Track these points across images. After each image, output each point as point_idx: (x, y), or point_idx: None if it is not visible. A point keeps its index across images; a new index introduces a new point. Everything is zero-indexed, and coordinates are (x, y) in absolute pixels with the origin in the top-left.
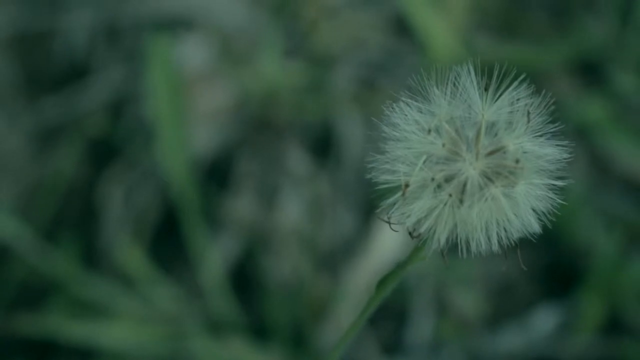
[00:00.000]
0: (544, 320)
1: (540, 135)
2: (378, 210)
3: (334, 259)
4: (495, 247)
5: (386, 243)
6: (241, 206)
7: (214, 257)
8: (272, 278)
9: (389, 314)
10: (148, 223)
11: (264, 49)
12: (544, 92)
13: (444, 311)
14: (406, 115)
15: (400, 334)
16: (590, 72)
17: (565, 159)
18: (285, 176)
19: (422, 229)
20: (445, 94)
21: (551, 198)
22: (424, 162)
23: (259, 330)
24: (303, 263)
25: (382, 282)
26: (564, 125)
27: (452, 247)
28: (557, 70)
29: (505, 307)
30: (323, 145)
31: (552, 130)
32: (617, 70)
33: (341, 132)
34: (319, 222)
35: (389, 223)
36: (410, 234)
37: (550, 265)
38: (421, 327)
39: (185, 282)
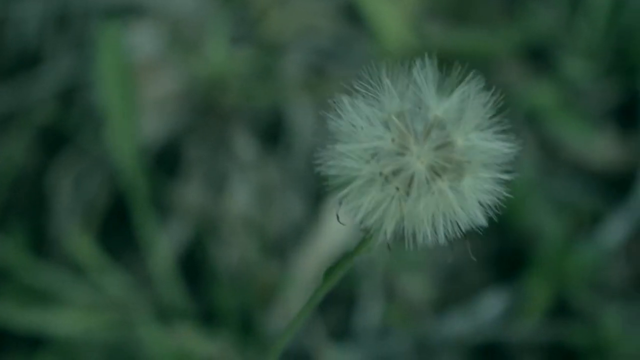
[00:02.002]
0: (491, 305)
1: (489, 130)
2: (327, 204)
3: (283, 246)
4: (441, 239)
5: (335, 229)
6: (190, 193)
7: (163, 245)
8: (221, 265)
9: (338, 300)
10: (97, 211)
11: (212, 36)
12: (493, 79)
13: (392, 297)
14: (355, 109)
15: (348, 320)
16: (540, 58)
17: (512, 153)
18: (234, 163)
19: (370, 223)
20: (396, 87)
21: (498, 191)
22: (372, 156)
23: (208, 317)
24: (252, 250)
25: (329, 272)
26: (513, 111)
27: (400, 239)
28: (507, 56)
29: (453, 292)
30: (273, 132)
31: (500, 124)
32: (566, 56)
33: (291, 118)
34: (267, 209)
35: (338, 217)
36: (358, 227)
37: (498, 250)
38: (369, 313)
39: (135, 269)
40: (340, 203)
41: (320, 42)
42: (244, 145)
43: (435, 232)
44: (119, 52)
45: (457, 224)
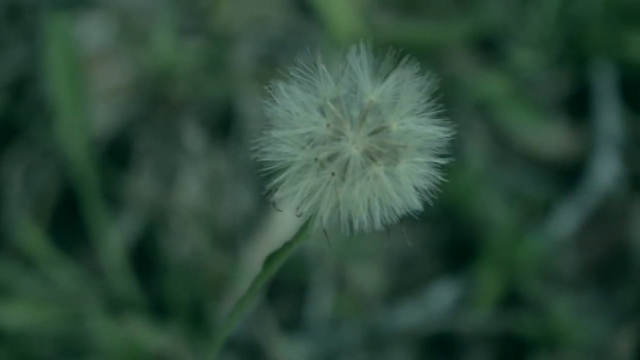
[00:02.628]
0: (442, 295)
1: (424, 114)
2: (265, 192)
3: (234, 237)
4: (377, 224)
5: (285, 220)
6: (141, 185)
7: (114, 237)
8: (172, 257)
9: (288, 291)
10: (48, 203)
11: (161, 27)
12: (444, 69)
13: (343, 287)
14: (291, 95)
15: (299, 311)
16: (491, 48)
17: (447, 137)
18: (184, 154)
19: (306, 209)
20: (332, 73)
21: (433, 175)
22: (308, 142)
23: (159, 309)
24: (202, 241)
25: (269, 260)
26: (464, 101)
27: (337, 224)
28: (458, 46)
29: (404, 282)
30: (224, 124)
31: (435, 108)
32: (517, 46)
33: (241, 110)
34: (218, 200)
35: (274, 204)
36: (295, 213)
37: (449, 240)
38: (320, 304)
39: (86, 262)
40: (277, 189)
41: (271, 33)
42: (194, 137)
43: (372, 218)
44: (68, 44)
45: (393, 208)
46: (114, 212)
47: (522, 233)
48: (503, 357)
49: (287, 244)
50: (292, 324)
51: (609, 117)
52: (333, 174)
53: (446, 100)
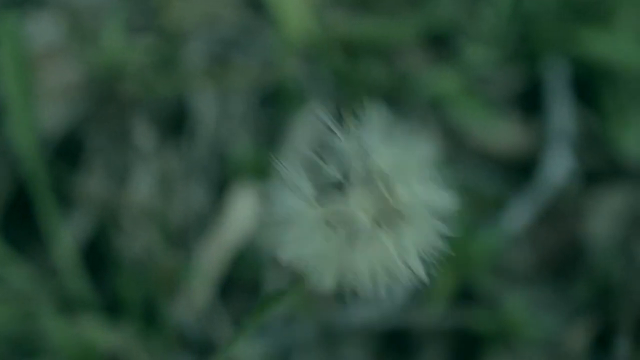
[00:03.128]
0: (396, 292)
1: (431, 181)
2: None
3: (187, 236)
4: (381, 293)
5: (239, 219)
6: (92, 184)
7: (66, 236)
8: (124, 255)
9: (242, 288)
10: None
11: (110, 24)
12: (396, 66)
13: (297, 284)
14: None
15: (252, 309)
16: (443, 44)
17: (453, 206)
18: (135, 153)
19: (309, 270)
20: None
21: (438, 245)
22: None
23: (112, 308)
24: (155, 240)
25: (262, 306)
26: (417, 98)
27: (338, 288)
28: (410, 43)
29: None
30: (176, 122)
31: (443, 175)
32: (469, 43)
33: (194, 108)
34: (170, 199)
35: (277, 260)
36: (296, 270)
37: None
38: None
39: (37, 261)
40: (281, 247)
41: (223, 31)
42: (145, 135)
43: (375, 285)
44: (17, 43)
45: (398, 278)
46: (66, 210)
47: (475, 229)
48: (458, 353)
49: (282, 294)
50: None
51: (562, 113)
52: (339, 238)
53: (399, 98)
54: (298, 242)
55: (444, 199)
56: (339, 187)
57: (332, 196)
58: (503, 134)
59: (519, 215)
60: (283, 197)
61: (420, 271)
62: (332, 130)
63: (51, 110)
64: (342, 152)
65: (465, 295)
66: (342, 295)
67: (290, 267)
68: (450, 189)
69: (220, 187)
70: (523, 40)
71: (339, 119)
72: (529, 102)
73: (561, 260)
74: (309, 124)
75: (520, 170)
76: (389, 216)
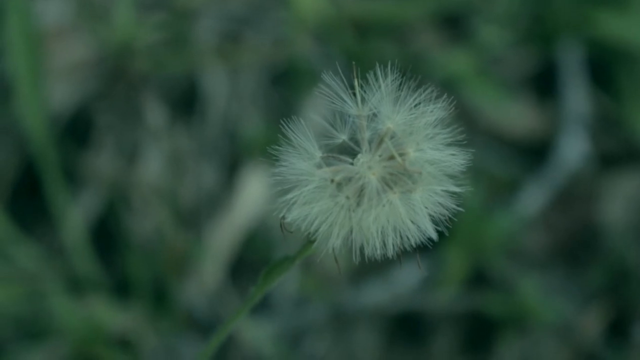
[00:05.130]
0: (409, 274)
1: (441, 141)
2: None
3: (197, 215)
4: (391, 252)
5: (250, 199)
6: (101, 162)
7: (75, 215)
8: (133, 235)
9: (253, 269)
10: (7, 181)
11: (121, 1)
12: (409, 47)
13: (309, 266)
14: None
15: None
16: (456, 25)
17: (463, 164)
18: (146, 131)
19: (318, 232)
20: (355, 97)
21: (449, 204)
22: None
23: (121, 289)
24: (165, 220)
25: (268, 273)
26: (429, 78)
27: (347, 249)
28: (423, 24)
29: (370, 261)
30: (186, 100)
31: (453, 134)
32: (483, 23)
33: (205, 86)
34: (181, 178)
35: (282, 225)
36: (304, 233)
37: None
38: (286, 283)
39: (46, 240)
40: (288, 209)
41: (234, 8)
42: (155, 113)
43: (385, 245)
44: (27, 20)
45: (407, 237)
46: (75, 189)
47: (489, 212)
48: (470, 336)
49: (287, 259)
50: (258, 304)
51: (576, 95)
52: (348, 198)
53: (412, 78)
54: (304, 202)
55: (455, 160)
56: (349, 150)
57: (341, 159)
58: (517, 115)
59: (533, 198)
60: (291, 160)
61: (431, 231)
62: (342, 97)
63: (61, 88)
64: (353, 117)
65: (478, 278)
66: (354, 278)
67: (296, 231)
68: (461, 149)
69: (231, 166)
70: (537, 22)
71: (350, 87)
72: (543, 84)
73: (575, 244)
74: (320, 98)
75: (535, 152)
76: (398, 177)
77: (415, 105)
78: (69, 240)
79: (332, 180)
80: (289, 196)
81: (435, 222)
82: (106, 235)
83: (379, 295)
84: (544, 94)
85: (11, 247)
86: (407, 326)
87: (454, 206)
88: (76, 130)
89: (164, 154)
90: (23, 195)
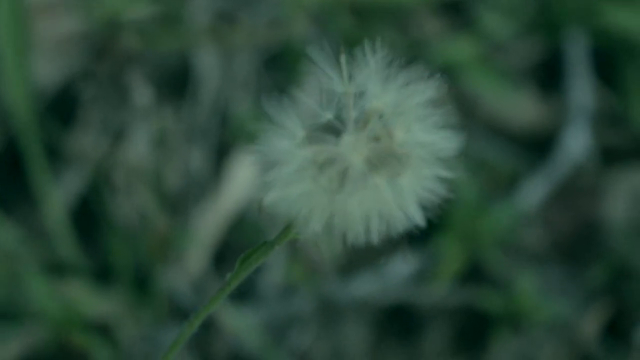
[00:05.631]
0: (401, 266)
1: (431, 122)
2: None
3: (183, 200)
4: (375, 239)
5: (239, 184)
6: (86, 142)
7: (57, 196)
8: (117, 218)
9: (238, 256)
10: None
11: None
12: (409, 33)
13: (296, 254)
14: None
15: (250, 280)
16: (458, 11)
17: (454, 147)
18: (133, 111)
19: (296, 214)
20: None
21: (438, 189)
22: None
23: (102, 273)
24: (149, 203)
25: (244, 259)
26: (429, 66)
27: (328, 235)
28: (424, 10)
29: (361, 252)
30: (177, 80)
31: (444, 115)
32: (486, 9)
33: (196, 66)
34: (167, 160)
35: (260, 208)
36: (282, 216)
37: None
38: (271, 272)
39: (26, 221)
40: (266, 190)
41: None
42: (143, 93)
43: (369, 231)
44: None
45: (394, 223)
46: (58, 169)
47: (487, 204)
48: (463, 333)
49: (266, 244)
50: (242, 293)
51: (581, 87)
52: (330, 180)
53: (411, 65)
54: (284, 183)
55: (446, 142)
56: (334, 130)
57: (325, 139)
58: (519, 106)
59: (533, 192)
60: (272, 138)
61: (419, 218)
62: (328, 73)
63: (46, 63)
64: (339, 94)
65: (473, 273)
66: (344, 267)
67: (276, 214)
68: (453, 131)
69: (220, 150)
70: (542, 10)
71: (337, 63)
72: (547, 75)
73: (576, 241)
74: (309, 77)
75: (536, 145)
76: (385, 159)
77: (407, 84)
78: (49, 222)
79: (315, 161)
80: (267, 177)
81: (425, 209)
82: (88, 216)
83: (369, 286)
84: (548, 85)
85: None
86: (398, 320)
87: (446, 193)
88: (61, 107)
89: (150, 135)
90: (3, 174)
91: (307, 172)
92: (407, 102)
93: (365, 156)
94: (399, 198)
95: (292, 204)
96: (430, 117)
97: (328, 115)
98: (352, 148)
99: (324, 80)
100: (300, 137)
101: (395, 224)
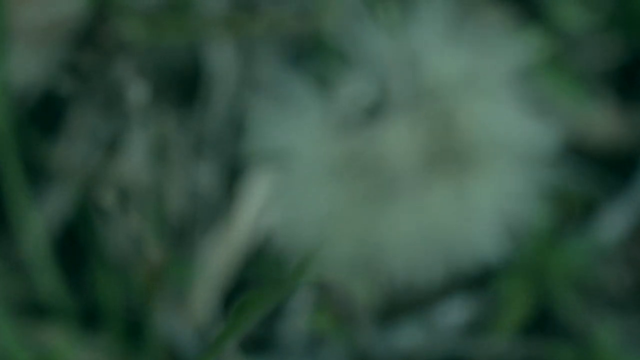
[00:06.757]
0: (453, 312)
1: (510, 103)
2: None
3: (189, 226)
4: (427, 278)
5: (256, 207)
6: (72, 154)
7: (37, 221)
8: (108, 248)
9: None
10: None
11: None
12: (470, 24)
13: (324, 298)
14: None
15: (269, 326)
16: (526, 2)
17: (546, 137)
18: (128, 117)
19: (314, 234)
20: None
21: (524, 200)
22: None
23: (89, 316)
24: (147, 230)
25: (241, 307)
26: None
27: (358, 268)
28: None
29: (405, 295)
30: (184, 81)
31: (527, 92)
32: (558, 1)
33: (208, 64)
34: (170, 177)
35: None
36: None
37: None
38: (297, 319)
39: (1, 252)
40: (271, 197)
41: None
42: (143, 95)
43: (419, 267)
44: None
45: (452, 254)
46: (39, 188)
47: (558, 238)
48: None
49: (274, 284)
50: (260, 343)
51: None
52: (367, 187)
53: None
54: (296, 197)
55: (538, 135)
56: (373, 113)
57: (359, 127)
58: (596, 118)
59: (613, 224)
60: (283, 128)
61: (491, 248)
62: (368, 29)
63: (27, 59)
64: (382, 59)
65: (541, 322)
66: (382, 313)
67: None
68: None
69: (234, 166)
70: (624, 3)
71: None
72: (628, 81)
73: None
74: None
75: (616, 166)
76: (447, 158)
77: (482, 49)
78: (27, 253)
79: (346, 161)
80: (278, 187)
81: (499, 237)
82: (74, 247)
83: (414, 337)
84: (629, 93)
85: None
86: None
87: (531, 216)
88: (42, 112)
89: (150, 146)
90: None
91: (332, 180)
92: (481, 75)
93: (420, 153)
94: (468, 215)
95: (312, 225)
96: (513, 97)
97: (371, 96)
98: (402, 140)
99: (364, 45)
100: (323, 126)
101: (456, 257)
